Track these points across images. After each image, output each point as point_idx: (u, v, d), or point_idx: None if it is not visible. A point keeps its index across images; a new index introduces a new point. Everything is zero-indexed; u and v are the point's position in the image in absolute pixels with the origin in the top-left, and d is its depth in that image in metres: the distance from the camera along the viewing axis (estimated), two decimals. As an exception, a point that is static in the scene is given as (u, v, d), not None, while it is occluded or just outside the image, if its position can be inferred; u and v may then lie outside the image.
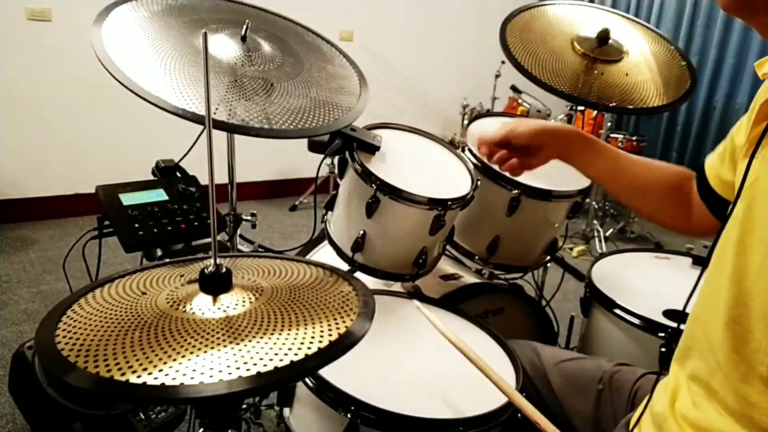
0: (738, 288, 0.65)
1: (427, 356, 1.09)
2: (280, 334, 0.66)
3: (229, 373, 0.59)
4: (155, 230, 1.17)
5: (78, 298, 0.74)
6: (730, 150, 0.85)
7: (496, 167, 1.09)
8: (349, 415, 0.89)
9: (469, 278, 1.57)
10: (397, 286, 1.40)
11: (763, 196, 0.64)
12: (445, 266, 1.62)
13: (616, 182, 1.04)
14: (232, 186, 1.42)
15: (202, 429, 0.80)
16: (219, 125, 1.04)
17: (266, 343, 0.64)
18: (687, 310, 0.76)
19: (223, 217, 1.41)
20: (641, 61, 1.71)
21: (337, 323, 0.70)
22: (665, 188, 0.99)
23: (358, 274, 1.35)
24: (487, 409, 0.91)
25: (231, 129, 1.07)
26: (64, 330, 0.66)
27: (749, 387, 0.63)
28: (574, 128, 1.06)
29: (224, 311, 0.70)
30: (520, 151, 1.04)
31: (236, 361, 0.61)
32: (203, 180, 1.12)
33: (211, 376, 0.58)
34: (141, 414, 1.44)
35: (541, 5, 1.82)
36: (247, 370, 0.60)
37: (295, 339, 0.65)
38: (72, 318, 0.69)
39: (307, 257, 1.69)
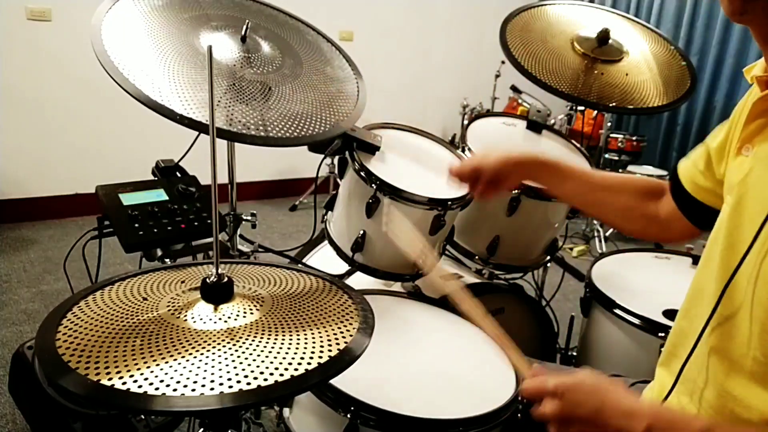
0: (725, 282, 0.66)
1: (426, 356, 1.09)
2: (280, 347, 0.67)
3: (230, 387, 0.59)
4: (155, 230, 1.17)
5: (79, 300, 0.74)
6: (705, 157, 0.86)
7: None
8: (348, 416, 0.89)
9: (469, 278, 1.57)
10: (397, 286, 1.40)
11: (753, 190, 0.66)
12: (445, 266, 1.62)
13: (585, 198, 1.07)
14: (232, 186, 1.42)
15: (202, 429, 0.80)
16: (216, 133, 1.03)
17: (267, 356, 0.65)
18: None
19: (223, 217, 1.41)
20: (641, 61, 1.71)
21: (336, 338, 0.70)
22: (634, 197, 1.01)
23: (358, 274, 1.35)
24: (487, 409, 0.91)
25: (228, 137, 1.06)
26: (65, 333, 0.66)
27: (733, 381, 0.65)
28: (536, 156, 1.08)
29: (225, 321, 0.70)
30: (490, 179, 1.09)
31: (237, 374, 0.61)
32: (203, 180, 1.12)
33: (212, 389, 0.58)
34: (141, 414, 1.44)
35: (541, 5, 1.82)
36: (248, 384, 0.60)
37: (295, 353, 0.66)
38: (73, 321, 0.69)
39: (307, 257, 1.69)
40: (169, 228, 1.19)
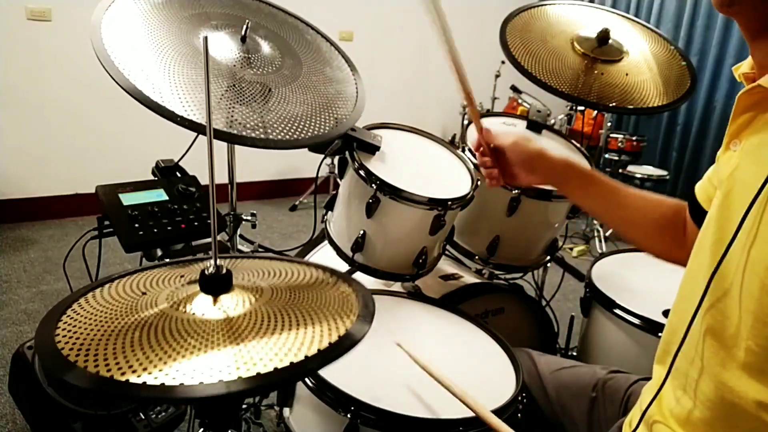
0: (716, 275, 0.67)
1: (427, 356, 1.09)
2: (279, 335, 0.66)
3: (229, 374, 0.59)
4: (155, 230, 1.17)
5: (78, 298, 0.74)
6: (716, 170, 0.85)
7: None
8: (349, 415, 0.89)
9: (469, 278, 1.57)
10: (397, 286, 1.40)
11: (740, 184, 0.66)
12: (445, 266, 1.61)
13: (611, 215, 1.03)
14: (232, 186, 1.42)
15: (202, 429, 0.80)
16: (216, 134, 1.03)
17: (266, 343, 0.64)
18: None
19: (223, 217, 1.41)
20: (641, 61, 1.71)
21: (336, 324, 0.70)
22: (660, 220, 0.99)
23: (358, 275, 1.35)
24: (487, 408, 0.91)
25: (228, 139, 1.06)
26: (64, 329, 0.66)
27: (728, 372, 0.65)
28: (571, 162, 1.03)
29: (224, 312, 0.70)
30: (511, 164, 1.04)
31: (236, 362, 0.61)
32: (203, 180, 1.12)
33: (211, 377, 0.58)
34: (141, 414, 1.44)
35: (541, 5, 1.82)
36: (247, 370, 0.60)
37: (294, 340, 0.66)
38: (72, 317, 0.69)
39: (307, 257, 1.69)
40: (169, 228, 1.19)
